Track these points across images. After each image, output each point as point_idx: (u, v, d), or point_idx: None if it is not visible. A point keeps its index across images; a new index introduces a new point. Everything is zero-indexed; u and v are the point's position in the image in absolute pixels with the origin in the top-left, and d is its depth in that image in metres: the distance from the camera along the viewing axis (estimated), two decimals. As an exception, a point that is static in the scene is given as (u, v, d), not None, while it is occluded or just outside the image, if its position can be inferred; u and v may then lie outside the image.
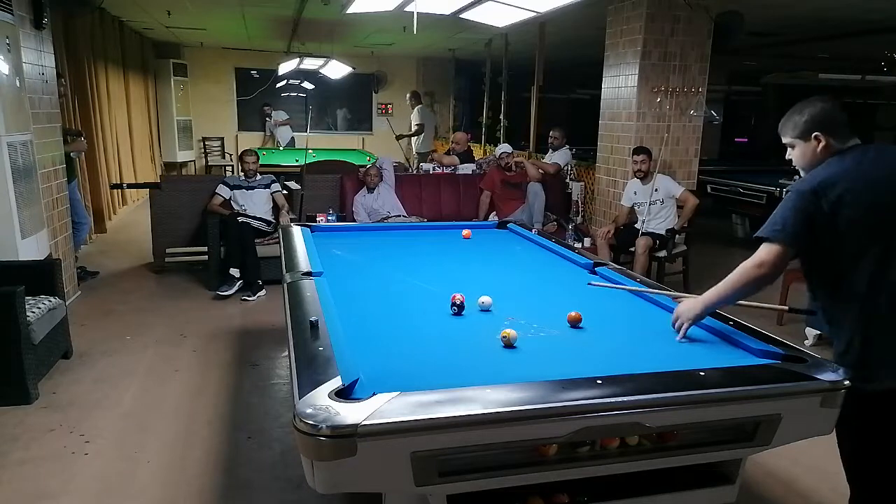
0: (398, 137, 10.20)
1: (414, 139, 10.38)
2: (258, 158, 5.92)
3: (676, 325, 2.18)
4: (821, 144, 1.90)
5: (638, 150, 5.21)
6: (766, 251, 1.89)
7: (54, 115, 4.71)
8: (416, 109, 10.29)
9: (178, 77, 11.16)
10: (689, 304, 2.16)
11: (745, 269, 1.93)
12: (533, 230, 4.27)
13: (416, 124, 10.18)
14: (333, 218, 5.63)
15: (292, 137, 11.78)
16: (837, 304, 1.89)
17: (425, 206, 6.17)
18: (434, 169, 7.17)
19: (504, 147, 6.26)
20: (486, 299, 2.47)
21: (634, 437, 1.78)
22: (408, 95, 10.70)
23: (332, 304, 2.42)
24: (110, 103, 8.12)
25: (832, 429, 1.87)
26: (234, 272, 5.18)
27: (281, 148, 11.23)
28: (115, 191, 8.13)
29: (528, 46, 8.09)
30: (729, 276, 1.98)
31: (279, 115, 11.98)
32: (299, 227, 3.89)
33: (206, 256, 5.45)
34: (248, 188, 5.63)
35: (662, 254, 5.17)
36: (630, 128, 5.69)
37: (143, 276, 5.71)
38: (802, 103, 1.97)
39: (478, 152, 9.04)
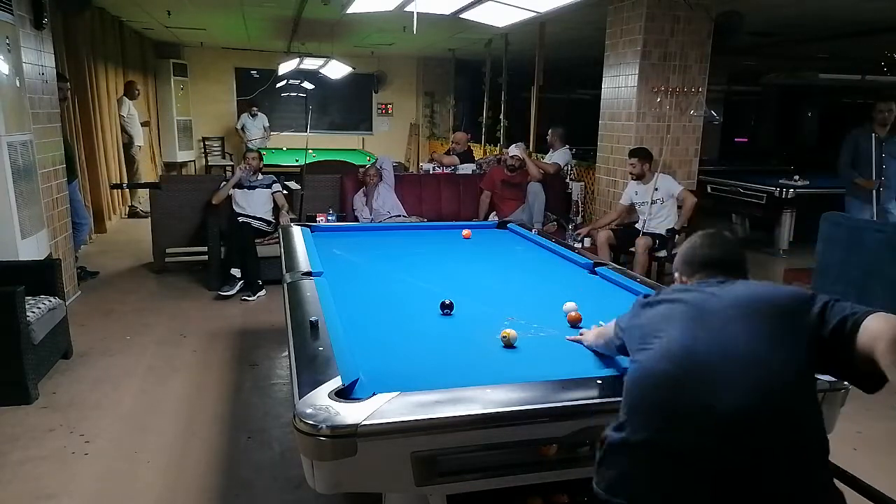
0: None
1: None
2: (261, 157, 5.93)
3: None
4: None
5: (630, 153, 5.19)
6: None
7: (54, 115, 4.71)
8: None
9: (178, 77, 11.15)
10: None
11: None
12: (533, 230, 4.27)
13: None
14: (333, 218, 5.62)
15: (264, 131, 11.04)
16: None
17: (425, 206, 6.17)
18: (434, 169, 7.16)
19: (517, 147, 6.11)
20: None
21: (634, 437, 1.78)
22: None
23: (332, 304, 2.42)
24: (110, 103, 8.12)
25: (832, 428, 1.87)
26: (236, 272, 5.18)
27: (251, 143, 10.46)
28: (116, 191, 8.12)
29: (528, 46, 8.08)
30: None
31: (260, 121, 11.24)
32: (299, 227, 3.89)
33: (206, 256, 5.45)
34: (248, 188, 5.63)
35: (662, 254, 5.16)
36: (630, 128, 5.68)
37: (143, 276, 5.71)
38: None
39: (478, 152, 9.03)
